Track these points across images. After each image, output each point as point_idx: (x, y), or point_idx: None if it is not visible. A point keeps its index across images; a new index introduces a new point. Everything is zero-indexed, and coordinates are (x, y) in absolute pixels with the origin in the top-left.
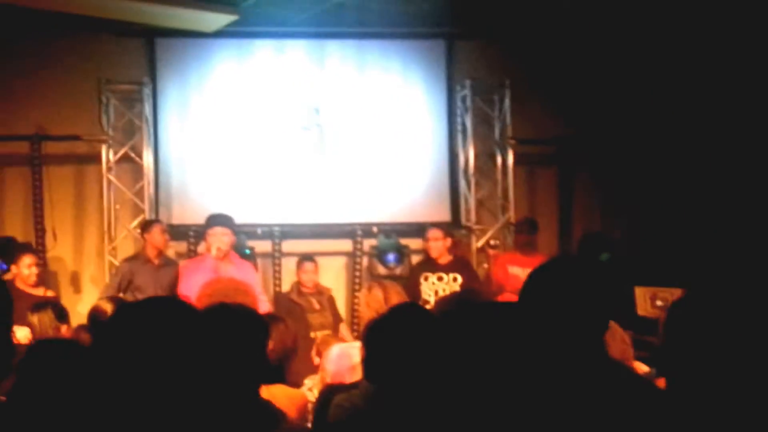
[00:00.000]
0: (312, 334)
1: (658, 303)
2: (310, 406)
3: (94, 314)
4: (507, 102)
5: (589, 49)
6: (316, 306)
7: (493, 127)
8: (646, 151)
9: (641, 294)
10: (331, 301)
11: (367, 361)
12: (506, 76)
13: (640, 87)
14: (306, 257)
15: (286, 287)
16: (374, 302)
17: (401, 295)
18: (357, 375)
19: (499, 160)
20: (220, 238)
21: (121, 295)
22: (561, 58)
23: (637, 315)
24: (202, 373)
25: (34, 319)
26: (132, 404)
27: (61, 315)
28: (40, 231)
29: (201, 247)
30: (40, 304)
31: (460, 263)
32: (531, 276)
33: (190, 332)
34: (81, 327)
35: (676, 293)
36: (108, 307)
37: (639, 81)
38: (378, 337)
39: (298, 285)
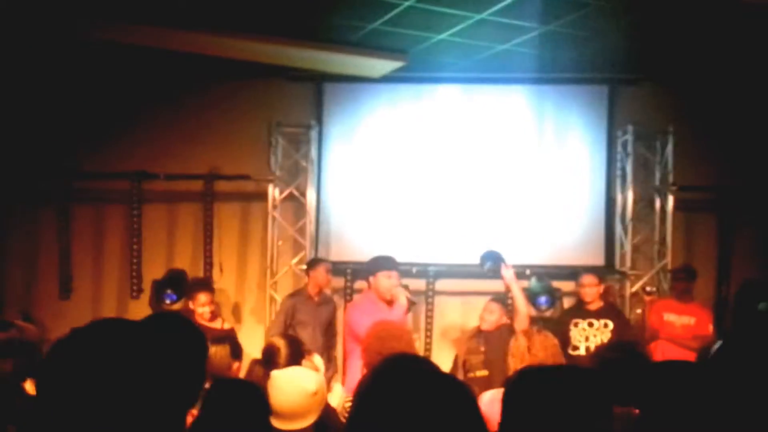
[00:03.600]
0: (470, 375)
1: None
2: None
3: (269, 351)
4: (670, 148)
5: (754, 96)
6: (482, 348)
7: (653, 173)
8: None
9: None
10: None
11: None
12: (668, 122)
13: None
14: (494, 297)
15: (437, 325)
16: (517, 352)
17: (547, 349)
18: None
19: (657, 205)
20: (392, 281)
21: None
22: (724, 104)
23: None
24: None
25: (212, 351)
26: None
27: (236, 352)
28: (208, 264)
29: (359, 284)
30: (219, 338)
31: (611, 310)
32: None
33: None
34: (255, 362)
35: None
36: (281, 344)
37: None
38: (515, 397)
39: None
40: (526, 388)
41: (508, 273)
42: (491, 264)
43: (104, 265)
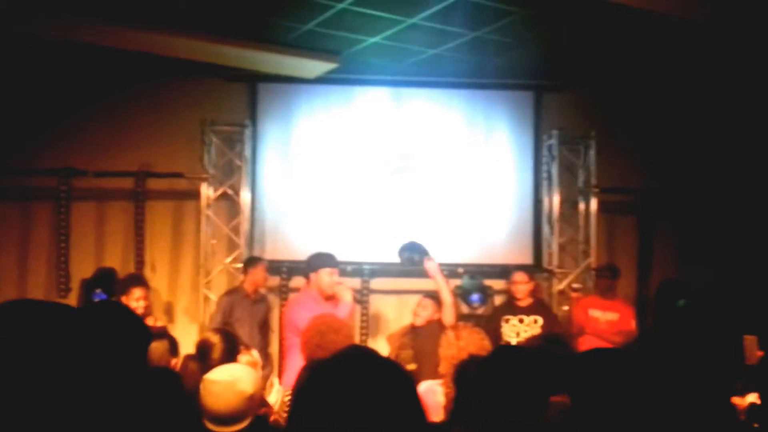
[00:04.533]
0: None
1: None
2: None
3: (203, 346)
4: (592, 152)
5: (672, 103)
6: (412, 343)
7: (577, 176)
8: (724, 202)
9: (750, 342)
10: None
11: (456, 403)
12: (592, 128)
13: (719, 141)
14: (427, 294)
15: (372, 323)
16: (447, 345)
17: (474, 338)
18: (441, 413)
19: (582, 207)
20: (333, 278)
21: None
22: (645, 111)
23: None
24: None
25: (151, 346)
26: None
27: (173, 348)
28: (139, 263)
29: (294, 282)
30: (157, 335)
31: (540, 306)
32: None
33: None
34: (189, 357)
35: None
36: (215, 339)
37: (719, 135)
38: (465, 379)
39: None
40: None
41: (431, 264)
42: (408, 254)
43: (30, 263)
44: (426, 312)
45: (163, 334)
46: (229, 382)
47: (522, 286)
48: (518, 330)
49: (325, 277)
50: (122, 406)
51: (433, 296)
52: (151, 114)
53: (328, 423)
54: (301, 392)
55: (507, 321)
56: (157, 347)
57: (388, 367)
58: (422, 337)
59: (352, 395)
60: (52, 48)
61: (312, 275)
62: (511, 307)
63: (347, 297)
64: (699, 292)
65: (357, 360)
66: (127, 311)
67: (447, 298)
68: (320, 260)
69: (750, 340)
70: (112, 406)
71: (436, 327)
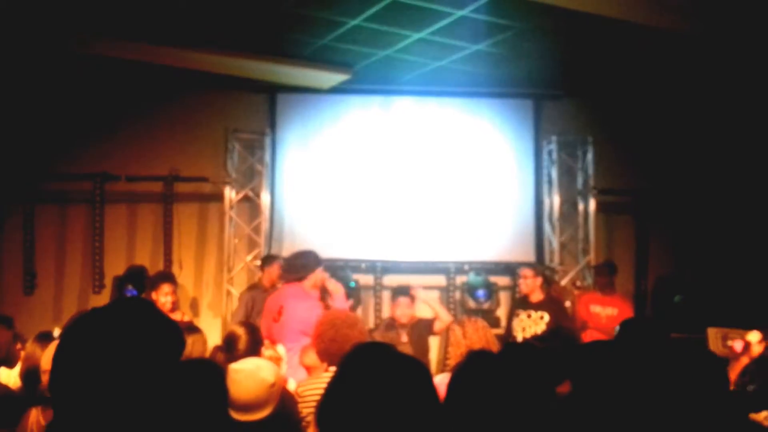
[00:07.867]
0: None
1: (728, 343)
2: None
3: (230, 338)
4: (590, 156)
5: (666, 108)
6: (404, 339)
7: (576, 178)
8: (716, 201)
9: (713, 334)
10: (421, 330)
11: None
12: (589, 133)
13: (711, 143)
14: (400, 291)
15: (385, 316)
16: (455, 340)
17: (478, 332)
18: None
19: (581, 207)
20: (325, 274)
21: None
22: (640, 116)
23: None
24: None
25: (189, 341)
26: None
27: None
28: (168, 261)
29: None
30: (190, 328)
31: (550, 302)
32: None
33: None
34: (217, 348)
35: (744, 334)
36: (241, 332)
37: (711, 137)
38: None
39: (390, 319)
40: (474, 371)
41: (420, 296)
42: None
43: (67, 261)
44: (410, 309)
45: (195, 327)
46: (251, 370)
47: (525, 281)
48: (524, 325)
49: (322, 273)
50: (171, 395)
51: (406, 293)
52: (178, 123)
53: (356, 413)
54: (333, 386)
55: (517, 315)
56: (195, 341)
57: (409, 362)
58: (414, 333)
59: (377, 389)
60: (89, 62)
61: (311, 274)
62: (524, 302)
63: (340, 290)
64: (693, 287)
65: (379, 356)
66: (158, 311)
67: (444, 317)
68: (317, 259)
69: (713, 332)
70: (164, 397)
71: (423, 326)
